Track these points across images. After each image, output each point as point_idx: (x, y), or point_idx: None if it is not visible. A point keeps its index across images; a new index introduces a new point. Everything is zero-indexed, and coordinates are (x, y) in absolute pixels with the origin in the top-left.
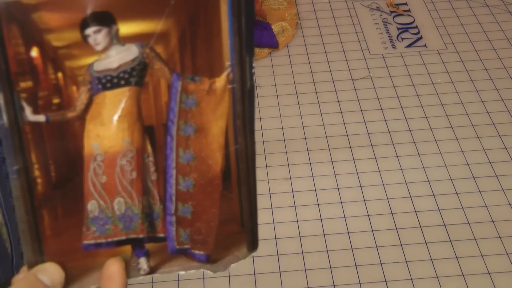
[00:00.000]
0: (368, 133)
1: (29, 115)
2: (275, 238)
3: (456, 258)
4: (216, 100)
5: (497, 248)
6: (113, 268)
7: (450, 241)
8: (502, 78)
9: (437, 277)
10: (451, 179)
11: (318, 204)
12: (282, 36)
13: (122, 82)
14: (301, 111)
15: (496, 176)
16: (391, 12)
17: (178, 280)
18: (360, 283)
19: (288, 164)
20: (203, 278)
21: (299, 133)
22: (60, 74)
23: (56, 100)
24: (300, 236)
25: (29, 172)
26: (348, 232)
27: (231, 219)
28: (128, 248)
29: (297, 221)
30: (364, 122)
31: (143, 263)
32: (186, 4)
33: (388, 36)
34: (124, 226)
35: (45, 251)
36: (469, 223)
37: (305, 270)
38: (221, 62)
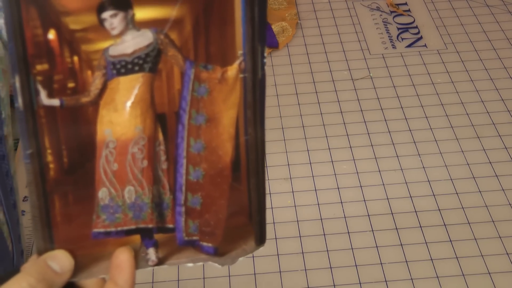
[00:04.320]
0: (368, 133)
1: (44, 98)
2: (275, 238)
3: (456, 258)
4: (228, 89)
5: (497, 248)
6: (123, 257)
7: (450, 241)
8: (502, 78)
9: (437, 277)
10: (451, 179)
11: (318, 204)
12: (282, 36)
13: (136, 68)
14: (301, 111)
15: (496, 176)
16: (391, 12)
17: (178, 280)
18: (360, 283)
19: (288, 164)
20: (203, 278)
21: (299, 133)
22: (76, 58)
23: (71, 84)
24: (300, 236)
25: (42, 157)
26: (348, 232)
27: (239, 211)
28: (137, 238)
29: (297, 221)
30: (364, 122)
31: (151, 253)
32: None
33: (388, 36)
34: (134, 215)
35: (55, 238)
36: (469, 223)
37: (305, 270)
38: (234, 51)
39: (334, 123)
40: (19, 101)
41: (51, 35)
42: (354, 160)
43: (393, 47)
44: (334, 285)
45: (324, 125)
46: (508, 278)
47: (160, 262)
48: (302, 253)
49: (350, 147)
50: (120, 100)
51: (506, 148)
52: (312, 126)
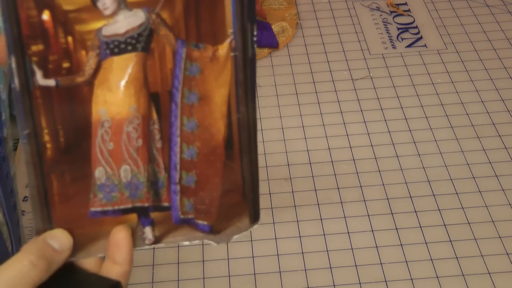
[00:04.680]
0: (368, 133)
1: (40, 79)
2: (275, 238)
3: (456, 258)
4: (219, 68)
5: (497, 248)
6: (120, 235)
7: (450, 241)
8: (502, 78)
9: (437, 277)
10: (451, 179)
11: (318, 204)
12: (282, 36)
13: (129, 47)
14: (301, 111)
15: (496, 176)
16: (391, 12)
17: (178, 280)
18: (360, 283)
19: (288, 164)
20: (203, 278)
21: (299, 133)
22: (70, 38)
23: (65, 65)
24: (300, 236)
25: (38, 137)
26: (348, 232)
27: (233, 189)
28: (133, 217)
29: (297, 221)
30: (364, 122)
31: (148, 232)
32: None
33: (388, 36)
34: (130, 194)
35: (53, 218)
36: (469, 223)
37: (305, 270)
38: (224, 29)
39: (334, 123)
40: (16, 82)
41: (45, 16)
42: (354, 160)
43: (393, 47)
44: (334, 285)
45: (324, 125)
46: (508, 278)
47: (157, 240)
48: (302, 253)
49: (350, 147)
50: (114, 80)
51: (506, 148)
52: (312, 126)
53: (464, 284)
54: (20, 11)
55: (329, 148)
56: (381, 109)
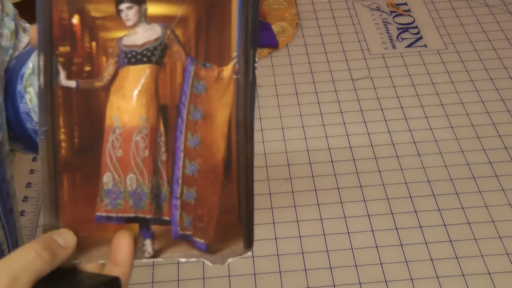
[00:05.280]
0: (368, 133)
1: (63, 79)
2: (275, 238)
3: (456, 258)
4: (223, 89)
5: (497, 248)
6: (122, 238)
7: (450, 241)
8: (502, 78)
9: (437, 277)
10: (451, 179)
11: (318, 204)
12: (282, 36)
13: (145, 59)
14: (301, 111)
15: (496, 176)
16: (391, 12)
17: (178, 280)
18: (360, 283)
19: (288, 164)
20: (203, 278)
21: (299, 133)
22: (94, 44)
23: (87, 68)
24: (300, 236)
25: (55, 135)
26: (348, 232)
27: (230, 210)
28: (135, 227)
29: (297, 221)
30: (364, 122)
31: (148, 245)
32: None
33: (388, 36)
34: (133, 203)
35: (61, 216)
36: (469, 223)
37: (305, 270)
38: (230, 52)
39: (334, 123)
40: (41, 80)
41: (75, 19)
42: (354, 160)
43: (393, 47)
44: (334, 285)
45: (324, 125)
46: (508, 278)
47: (156, 254)
48: (302, 253)
49: (350, 147)
50: (129, 88)
51: (506, 148)
52: (312, 126)
53: (464, 284)
54: (53, 13)
55: (329, 148)
56: (381, 109)
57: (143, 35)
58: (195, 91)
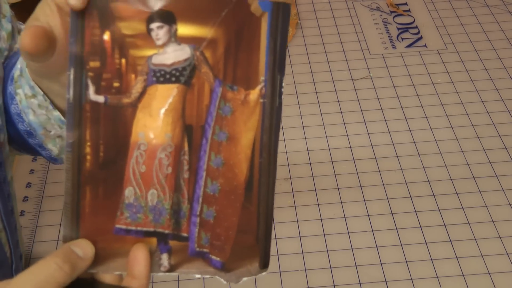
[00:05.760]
0: (368, 133)
1: (92, 94)
2: (275, 238)
3: (456, 258)
4: (249, 112)
5: (497, 248)
6: (139, 251)
7: (450, 241)
8: (502, 78)
9: (437, 277)
10: (451, 179)
11: (318, 204)
12: None
13: (173, 78)
14: (301, 111)
15: (496, 176)
16: (391, 12)
17: (178, 280)
18: (360, 283)
19: (288, 164)
20: (203, 278)
21: (299, 133)
22: (123, 61)
23: (116, 84)
24: (300, 236)
25: (81, 148)
26: (348, 232)
27: (248, 231)
28: (153, 241)
29: (297, 221)
30: (364, 122)
31: (164, 259)
32: (234, 18)
33: (388, 36)
34: (153, 218)
35: (81, 227)
36: (469, 223)
37: (305, 270)
38: (257, 76)
39: (334, 123)
40: (70, 93)
41: (106, 36)
42: (354, 160)
43: (393, 47)
44: (334, 285)
45: (324, 125)
46: (508, 278)
47: (171, 269)
48: (302, 253)
49: (350, 147)
50: (156, 106)
51: (506, 148)
52: (312, 126)
53: (464, 284)
54: (86, 29)
55: (329, 148)
56: (381, 109)
57: (172, 55)
58: (221, 113)
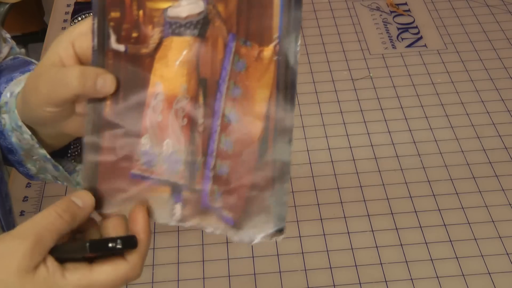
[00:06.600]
0: (368, 133)
1: (113, 43)
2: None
3: (456, 258)
4: (263, 69)
5: (497, 248)
6: (139, 215)
7: (450, 241)
8: (502, 78)
9: (437, 277)
10: (451, 179)
11: (318, 204)
12: None
13: (188, 31)
14: (301, 111)
15: (496, 176)
16: (391, 12)
17: (178, 280)
18: (360, 283)
19: None
20: (203, 278)
21: (299, 133)
22: (141, 12)
23: (134, 34)
24: (300, 236)
25: None
26: (348, 232)
27: (262, 189)
28: (167, 190)
29: (297, 221)
30: (364, 122)
31: (177, 209)
32: None
33: (388, 36)
34: (168, 167)
35: (99, 171)
36: (469, 223)
37: (305, 270)
38: (271, 33)
39: (334, 123)
40: (95, 41)
41: None
42: (354, 160)
43: (393, 47)
44: (334, 285)
45: (324, 125)
46: (508, 278)
47: (183, 220)
48: (302, 253)
49: (350, 147)
50: (171, 58)
51: (506, 148)
52: (312, 126)
53: (464, 284)
54: None
55: (329, 148)
56: (381, 109)
57: (186, 8)
58: (235, 68)
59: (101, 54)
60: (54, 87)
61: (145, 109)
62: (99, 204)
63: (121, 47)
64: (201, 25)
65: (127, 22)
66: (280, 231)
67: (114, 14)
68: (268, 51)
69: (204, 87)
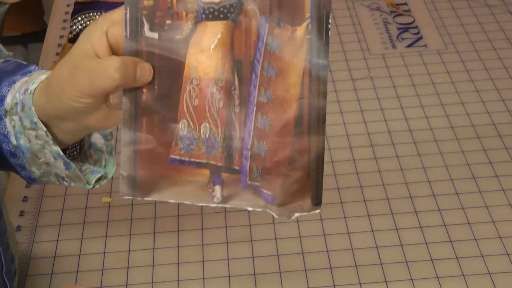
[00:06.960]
0: (368, 133)
1: (146, 30)
2: (275, 238)
3: (456, 258)
4: (296, 48)
5: (497, 248)
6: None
7: (450, 241)
8: (502, 78)
9: (437, 277)
10: (451, 179)
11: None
12: None
13: (221, 15)
14: None
15: (496, 176)
16: (391, 12)
17: (178, 280)
18: (360, 283)
19: None
20: (203, 278)
21: None
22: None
23: (168, 22)
24: (300, 236)
25: None
26: (348, 232)
27: (299, 167)
28: (206, 173)
29: (297, 221)
30: (364, 122)
31: (217, 191)
32: None
33: (388, 36)
34: (206, 150)
35: (138, 157)
36: (469, 223)
37: (305, 270)
38: (303, 13)
39: (334, 123)
40: (127, 30)
41: None
42: (354, 160)
43: (393, 47)
44: (334, 285)
45: None
46: (508, 278)
47: (224, 200)
48: (302, 253)
49: (350, 147)
50: (206, 42)
51: (506, 148)
52: None
53: (464, 284)
54: None
55: (329, 148)
56: (381, 109)
57: None
58: (269, 48)
59: (134, 42)
60: (93, 79)
61: (181, 94)
62: (139, 191)
63: (154, 35)
64: (234, 9)
65: (160, 9)
66: (317, 205)
67: (147, 3)
68: (300, 30)
69: (239, 69)
